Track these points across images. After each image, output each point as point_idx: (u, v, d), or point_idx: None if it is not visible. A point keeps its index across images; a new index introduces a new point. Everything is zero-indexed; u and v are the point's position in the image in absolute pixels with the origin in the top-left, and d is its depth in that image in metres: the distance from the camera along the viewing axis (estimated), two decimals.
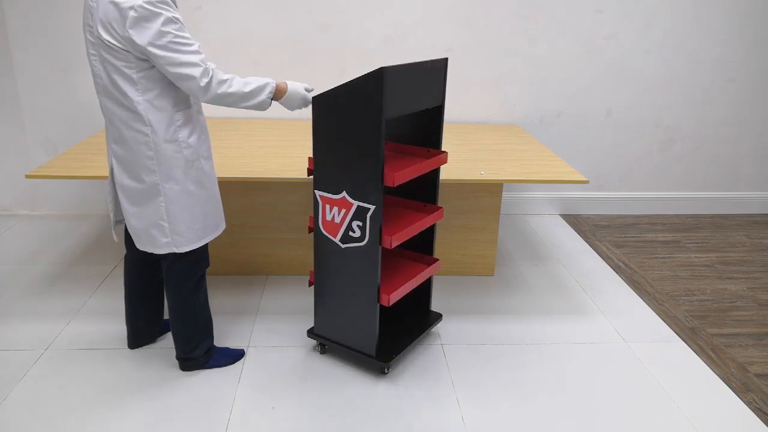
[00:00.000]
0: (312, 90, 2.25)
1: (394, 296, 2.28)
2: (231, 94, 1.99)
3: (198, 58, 1.91)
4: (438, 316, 2.67)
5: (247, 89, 2.02)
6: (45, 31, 3.53)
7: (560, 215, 4.26)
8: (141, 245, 2.18)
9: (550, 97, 3.96)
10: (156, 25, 1.83)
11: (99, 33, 1.88)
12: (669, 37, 3.90)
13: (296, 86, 2.18)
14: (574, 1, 3.74)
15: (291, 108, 2.21)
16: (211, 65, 1.98)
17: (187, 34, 1.91)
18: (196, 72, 1.90)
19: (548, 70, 3.89)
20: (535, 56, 3.84)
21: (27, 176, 2.57)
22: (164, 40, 1.84)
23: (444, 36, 3.74)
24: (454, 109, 3.89)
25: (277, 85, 2.12)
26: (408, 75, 2.13)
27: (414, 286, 2.41)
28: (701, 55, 3.97)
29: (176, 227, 2.12)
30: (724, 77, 4.04)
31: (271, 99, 2.11)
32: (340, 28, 3.65)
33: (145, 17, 1.81)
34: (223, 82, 1.97)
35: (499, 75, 3.87)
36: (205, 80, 1.93)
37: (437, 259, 2.54)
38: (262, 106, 2.09)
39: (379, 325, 2.34)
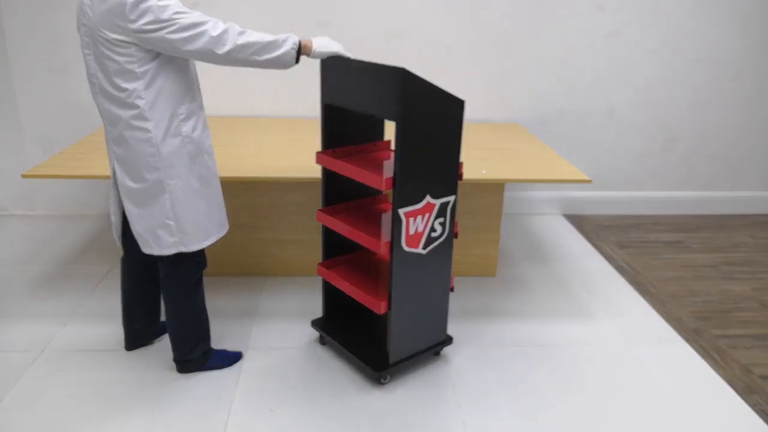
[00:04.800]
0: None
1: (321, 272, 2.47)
2: (253, 43, 1.92)
3: (205, 17, 1.88)
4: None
5: (271, 37, 1.95)
6: (42, 31, 3.51)
7: (563, 215, 4.24)
8: (147, 248, 2.14)
9: (552, 96, 3.94)
10: (153, 2, 1.82)
11: (103, 33, 1.85)
12: (671, 36, 3.88)
13: (324, 47, 2.06)
14: None
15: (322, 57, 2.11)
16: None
17: (186, 8, 1.89)
18: (206, 26, 1.87)
19: (550, 68, 3.86)
20: (537, 54, 3.82)
21: (23, 176, 2.55)
22: (167, 13, 1.83)
23: (445, 34, 3.72)
24: None
25: (301, 42, 2.02)
26: (353, 71, 2.13)
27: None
28: (704, 53, 3.95)
29: (183, 225, 2.09)
30: (727, 76, 4.02)
31: (297, 52, 2.00)
32: (340, 26, 3.63)
33: None
34: (242, 32, 1.92)
35: (500, 73, 3.84)
36: (218, 30, 1.88)
37: (379, 300, 2.22)
38: (286, 58, 1.98)
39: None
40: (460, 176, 2.23)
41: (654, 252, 3.69)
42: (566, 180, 2.73)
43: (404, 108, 1.95)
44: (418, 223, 2.15)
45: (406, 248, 2.15)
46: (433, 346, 2.42)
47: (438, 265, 2.29)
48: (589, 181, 2.70)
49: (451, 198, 2.21)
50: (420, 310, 2.31)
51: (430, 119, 2.04)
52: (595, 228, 4.03)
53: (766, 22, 3.91)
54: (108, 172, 2.51)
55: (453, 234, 2.28)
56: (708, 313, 3.01)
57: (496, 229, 3.16)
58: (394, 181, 2.05)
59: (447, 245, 2.28)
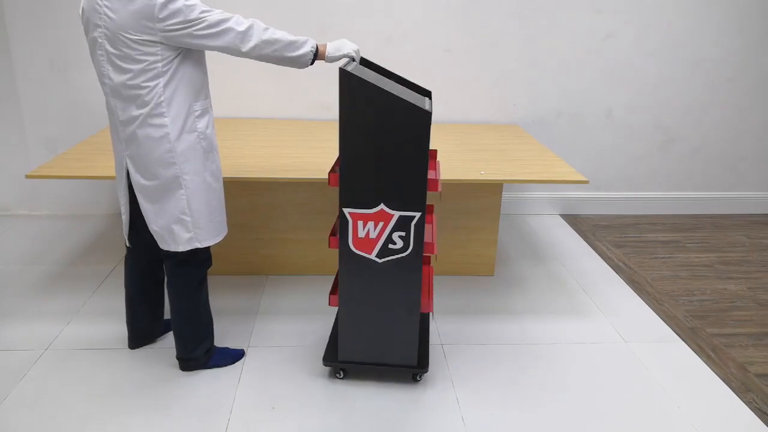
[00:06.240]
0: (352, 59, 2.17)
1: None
2: (276, 40, 1.99)
3: (229, 14, 1.95)
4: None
5: (292, 37, 2.02)
6: (45, 31, 3.53)
7: (560, 215, 4.26)
8: (164, 245, 2.17)
9: (550, 97, 3.96)
10: (182, 2, 1.86)
11: (129, 34, 1.87)
12: (669, 37, 3.90)
13: (336, 51, 2.12)
14: (574, 1, 3.74)
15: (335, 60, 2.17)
16: None
17: (209, 7, 1.95)
18: (231, 22, 1.94)
19: (548, 70, 3.89)
20: (535, 56, 3.84)
21: (27, 176, 2.57)
22: (195, 13, 1.88)
23: (444, 36, 3.74)
24: (454, 109, 3.90)
25: (318, 46, 2.10)
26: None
27: None
28: (701, 55, 3.97)
29: (198, 221, 2.13)
30: (724, 77, 4.05)
31: (314, 54, 2.07)
32: (340, 29, 3.65)
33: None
34: (267, 28, 1.99)
35: (498, 75, 3.87)
36: (244, 26, 1.95)
37: (334, 293, 2.31)
38: (304, 58, 2.05)
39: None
40: (439, 193, 2.16)
41: (650, 251, 3.72)
42: (563, 181, 2.74)
43: (341, 107, 1.97)
44: (370, 228, 2.12)
45: (354, 249, 2.16)
46: (399, 365, 2.32)
47: (400, 280, 2.19)
48: (586, 182, 2.73)
49: (416, 214, 2.10)
50: (378, 321, 2.26)
51: (381, 126, 1.98)
52: (592, 228, 4.06)
53: (764, 23, 3.93)
54: (112, 173, 2.54)
55: (420, 252, 2.16)
56: (704, 312, 3.03)
57: (494, 229, 3.18)
58: (339, 180, 2.08)
59: (412, 263, 2.17)
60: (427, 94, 2.33)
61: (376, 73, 2.23)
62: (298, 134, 3.40)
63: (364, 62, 2.28)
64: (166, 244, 2.16)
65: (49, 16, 3.50)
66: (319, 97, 3.77)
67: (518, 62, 3.85)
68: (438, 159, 2.40)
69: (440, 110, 3.86)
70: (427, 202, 2.54)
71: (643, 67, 3.95)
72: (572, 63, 3.89)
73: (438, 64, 3.79)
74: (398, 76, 2.32)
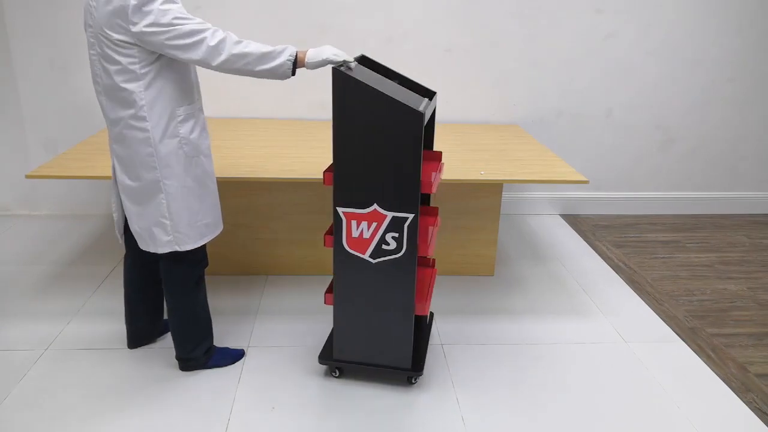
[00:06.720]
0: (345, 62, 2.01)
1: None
2: (248, 54, 1.91)
3: (205, 25, 1.90)
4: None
5: (267, 49, 1.94)
6: (45, 31, 3.53)
7: (560, 215, 4.26)
8: (144, 245, 2.17)
9: (550, 97, 3.96)
10: (156, 5, 1.84)
11: (107, 34, 1.88)
12: (669, 37, 3.90)
13: (315, 57, 1.99)
14: (574, 1, 3.74)
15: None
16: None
17: (188, 14, 1.91)
18: (205, 33, 1.89)
19: (548, 69, 3.89)
20: (535, 56, 3.84)
21: (27, 176, 2.57)
22: (167, 18, 1.85)
23: (444, 36, 3.74)
24: (454, 109, 3.90)
25: (297, 54, 1.99)
26: None
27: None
28: (701, 55, 3.97)
29: (178, 225, 2.12)
30: (724, 77, 4.05)
31: (293, 64, 1.97)
32: (340, 28, 3.65)
33: (144, 2, 1.83)
34: (238, 42, 1.92)
35: (499, 75, 3.87)
36: (217, 39, 1.89)
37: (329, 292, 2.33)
38: (281, 69, 1.95)
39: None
40: (429, 191, 2.11)
41: (650, 251, 3.72)
42: (563, 181, 2.74)
43: (334, 106, 1.97)
44: (364, 228, 2.12)
45: (348, 249, 2.16)
46: (393, 367, 2.31)
47: (394, 281, 2.18)
48: (586, 182, 2.73)
49: (409, 216, 2.08)
50: (373, 321, 2.25)
51: (374, 126, 1.97)
52: (592, 228, 4.06)
53: (764, 23, 3.93)
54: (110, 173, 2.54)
55: (414, 254, 2.13)
56: (704, 312, 3.03)
57: (494, 229, 3.18)
58: (333, 179, 2.08)
59: (406, 264, 2.15)
60: (430, 94, 2.32)
61: (374, 73, 2.22)
62: (298, 134, 3.40)
63: (369, 62, 2.27)
64: (146, 245, 2.16)
65: (49, 16, 3.50)
66: (319, 97, 3.77)
67: (518, 62, 3.84)
68: (442, 161, 2.38)
69: (440, 110, 3.86)
70: (431, 204, 2.55)
71: (643, 67, 3.95)
72: (572, 63, 3.89)
73: (438, 64, 3.79)
74: (403, 76, 2.31)
